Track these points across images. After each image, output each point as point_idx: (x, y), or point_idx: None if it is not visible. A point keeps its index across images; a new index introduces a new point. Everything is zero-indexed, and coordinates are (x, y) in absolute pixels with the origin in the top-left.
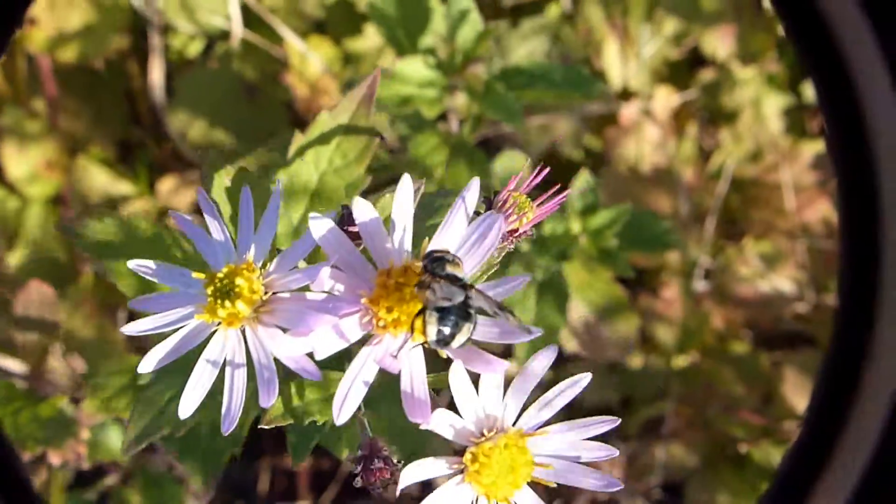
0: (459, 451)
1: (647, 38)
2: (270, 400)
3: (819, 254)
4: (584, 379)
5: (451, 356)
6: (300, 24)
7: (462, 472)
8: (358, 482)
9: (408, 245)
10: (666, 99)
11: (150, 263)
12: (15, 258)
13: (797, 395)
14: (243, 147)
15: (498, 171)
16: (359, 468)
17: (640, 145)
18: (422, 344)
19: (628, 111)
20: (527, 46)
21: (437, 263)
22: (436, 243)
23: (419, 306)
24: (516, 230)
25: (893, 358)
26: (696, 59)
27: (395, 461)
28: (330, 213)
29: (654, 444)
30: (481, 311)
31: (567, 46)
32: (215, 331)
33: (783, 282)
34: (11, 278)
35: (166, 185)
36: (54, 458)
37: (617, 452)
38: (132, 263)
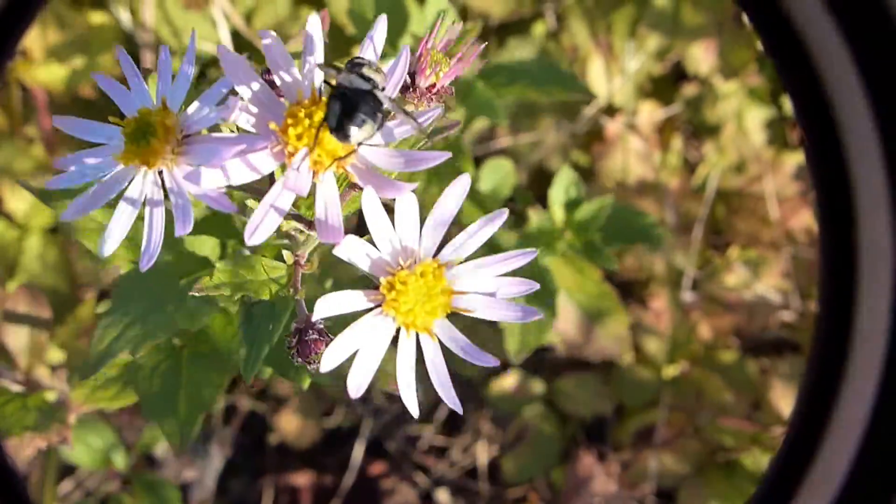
0: (376, 287)
1: (631, 55)
2: (186, 228)
3: (803, 262)
4: (501, 215)
5: (360, 183)
6: (289, 48)
7: (380, 305)
8: (294, 356)
9: (317, 78)
10: (650, 113)
11: (72, 119)
12: (13, 287)
13: (785, 401)
14: None
15: (484, 187)
16: (294, 342)
17: (626, 159)
18: (333, 171)
19: (614, 126)
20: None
21: (354, 66)
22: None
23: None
24: (433, 85)
25: (874, 362)
26: (680, 74)
27: (329, 335)
28: (243, 54)
29: (646, 452)
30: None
31: (553, 63)
32: (135, 176)
33: (769, 290)
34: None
35: None
36: (40, 442)
37: (537, 286)
38: (57, 119)
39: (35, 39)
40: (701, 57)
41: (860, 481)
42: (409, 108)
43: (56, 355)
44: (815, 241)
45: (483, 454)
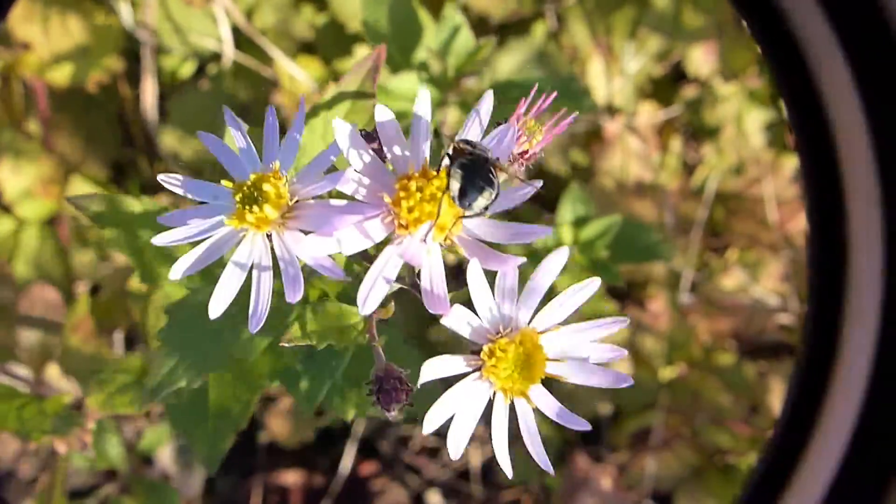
0: (476, 352)
1: (631, 56)
2: (297, 295)
3: (802, 265)
4: (595, 283)
5: (467, 255)
6: (290, 45)
7: (479, 369)
8: (374, 403)
9: (426, 152)
10: (650, 115)
11: (177, 176)
12: (21, 272)
13: (781, 405)
14: None
15: None
16: (375, 390)
17: (625, 160)
18: (440, 243)
19: (613, 127)
20: (513, 62)
21: (460, 141)
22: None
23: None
24: (526, 152)
25: (862, 362)
26: (679, 76)
27: (409, 383)
28: (354, 124)
29: (643, 454)
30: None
31: (553, 64)
32: (242, 238)
33: (767, 293)
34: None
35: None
36: (60, 447)
37: (626, 352)
38: (162, 176)
39: (37, 34)
40: (701, 59)
41: (849, 479)
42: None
43: (56, 349)
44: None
45: (476, 456)
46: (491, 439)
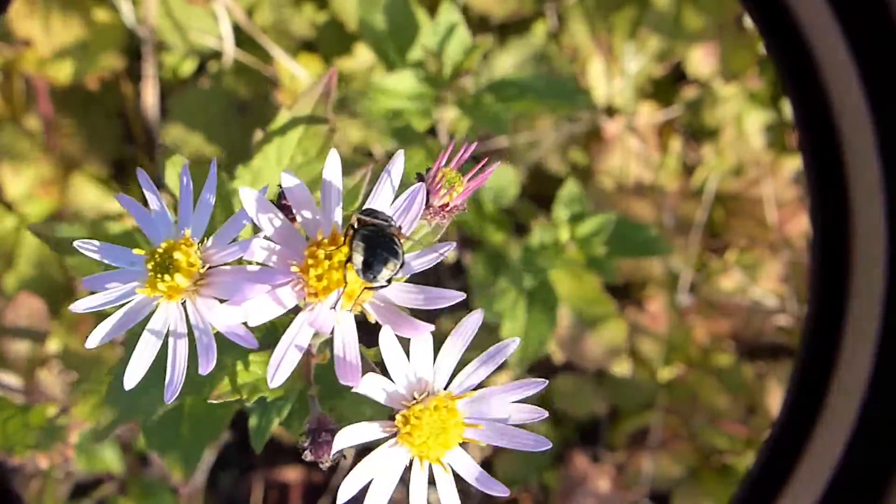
0: (392, 416)
1: (631, 56)
2: (209, 366)
3: (801, 267)
4: (512, 344)
5: (379, 321)
6: (290, 43)
7: (395, 435)
8: (306, 455)
9: (337, 216)
10: (650, 115)
11: (94, 242)
12: (11, 278)
13: (780, 405)
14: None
15: (486, 195)
16: (307, 442)
17: (624, 160)
18: (350, 310)
19: (613, 127)
20: (513, 61)
21: (366, 214)
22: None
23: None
24: (447, 204)
25: (862, 363)
26: (680, 77)
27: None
28: (262, 189)
29: (640, 454)
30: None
31: (553, 63)
32: (158, 305)
33: (766, 294)
34: (7, 297)
35: None
36: (42, 462)
37: (546, 414)
38: (78, 243)
39: (38, 31)
40: (701, 60)
41: (847, 480)
42: (423, 224)
43: (51, 347)
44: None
45: (475, 454)
46: None
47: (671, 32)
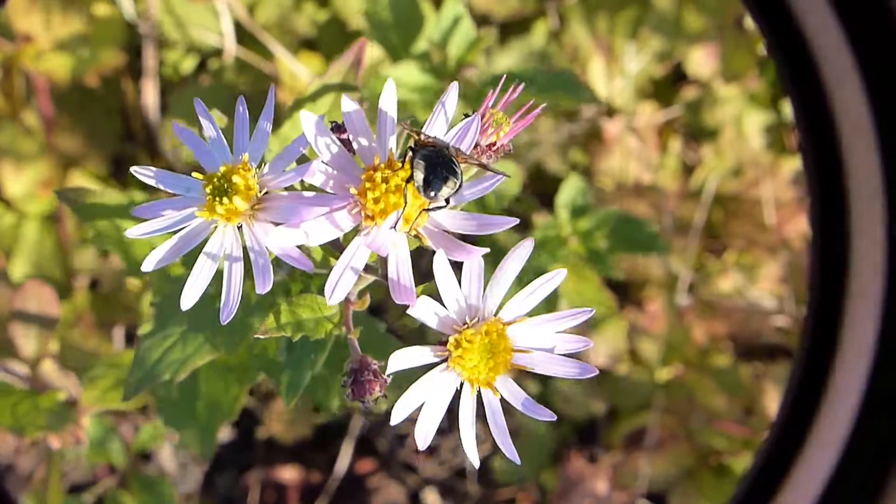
0: (443, 342)
1: (631, 56)
2: (266, 285)
3: (799, 268)
4: (560, 274)
5: (433, 246)
6: (291, 41)
7: (446, 360)
8: (348, 395)
9: (392, 143)
10: (650, 115)
11: (151, 169)
12: (17, 272)
13: (777, 406)
14: None
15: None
16: (349, 381)
17: (624, 160)
18: (406, 232)
19: (613, 127)
20: (513, 59)
21: (425, 135)
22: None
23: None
24: (494, 143)
25: (861, 364)
26: (680, 77)
27: (384, 375)
28: (321, 115)
29: (637, 454)
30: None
31: (554, 63)
32: (215, 229)
33: (764, 295)
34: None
35: None
36: (54, 442)
37: (591, 343)
38: (135, 168)
39: (38, 27)
40: (702, 60)
41: (845, 479)
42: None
43: (53, 345)
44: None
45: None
46: (458, 428)
47: (672, 33)
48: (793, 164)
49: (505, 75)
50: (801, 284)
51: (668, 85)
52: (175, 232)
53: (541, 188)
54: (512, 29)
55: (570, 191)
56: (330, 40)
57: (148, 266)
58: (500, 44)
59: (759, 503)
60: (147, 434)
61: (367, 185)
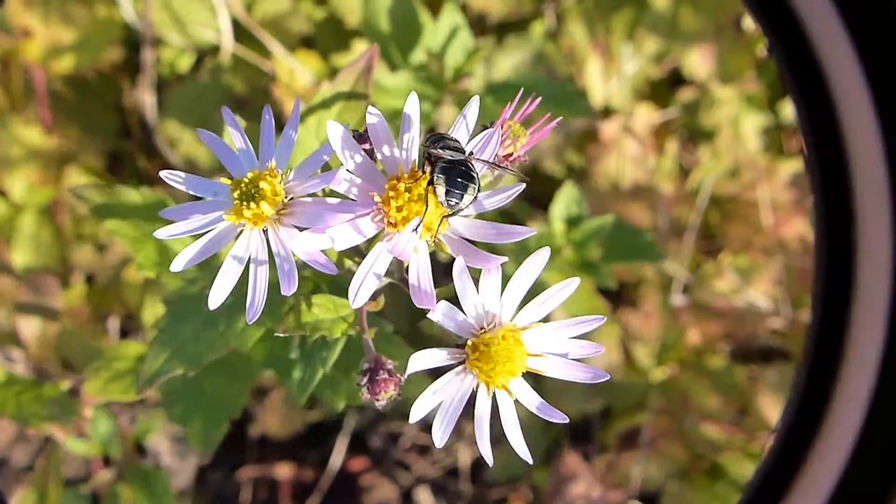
0: (461, 346)
1: (628, 57)
2: (291, 288)
3: (795, 270)
4: (574, 282)
5: (452, 253)
6: (289, 39)
7: (463, 362)
8: (364, 394)
9: (415, 153)
10: (646, 116)
11: (180, 174)
12: (17, 260)
13: (772, 408)
14: None
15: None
16: (364, 380)
17: (620, 161)
18: (427, 240)
19: (609, 128)
20: (511, 61)
21: (437, 141)
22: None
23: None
24: (511, 154)
25: (866, 372)
26: (677, 78)
27: (398, 374)
28: (346, 126)
29: (631, 454)
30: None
31: (551, 63)
32: (240, 233)
33: (759, 297)
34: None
35: None
36: (57, 433)
37: (602, 349)
38: (164, 172)
39: (37, 22)
40: (699, 62)
41: (851, 486)
42: (485, 174)
43: (54, 335)
44: (808, 249)
45: (465, 453)
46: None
47: (669, 34)
48: (790, 166)
49: (521, 89)
50: (797, 286)
51: (664, 86)
52: (200, 235)
53: (536, 190)
54: (509, 29)
55: (564, 201)
56: (327, 38)
57: (177, 266)
58: (497, 44)
59: None
60: (143, 424)
61: (391, 193)
